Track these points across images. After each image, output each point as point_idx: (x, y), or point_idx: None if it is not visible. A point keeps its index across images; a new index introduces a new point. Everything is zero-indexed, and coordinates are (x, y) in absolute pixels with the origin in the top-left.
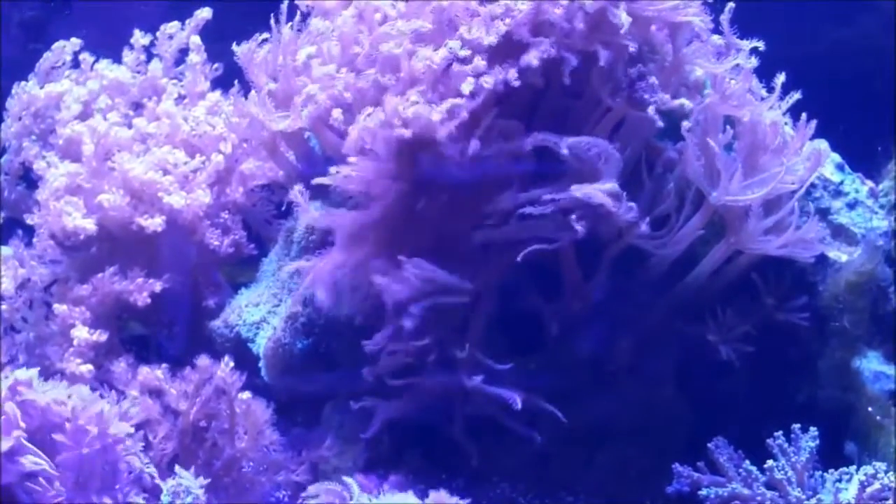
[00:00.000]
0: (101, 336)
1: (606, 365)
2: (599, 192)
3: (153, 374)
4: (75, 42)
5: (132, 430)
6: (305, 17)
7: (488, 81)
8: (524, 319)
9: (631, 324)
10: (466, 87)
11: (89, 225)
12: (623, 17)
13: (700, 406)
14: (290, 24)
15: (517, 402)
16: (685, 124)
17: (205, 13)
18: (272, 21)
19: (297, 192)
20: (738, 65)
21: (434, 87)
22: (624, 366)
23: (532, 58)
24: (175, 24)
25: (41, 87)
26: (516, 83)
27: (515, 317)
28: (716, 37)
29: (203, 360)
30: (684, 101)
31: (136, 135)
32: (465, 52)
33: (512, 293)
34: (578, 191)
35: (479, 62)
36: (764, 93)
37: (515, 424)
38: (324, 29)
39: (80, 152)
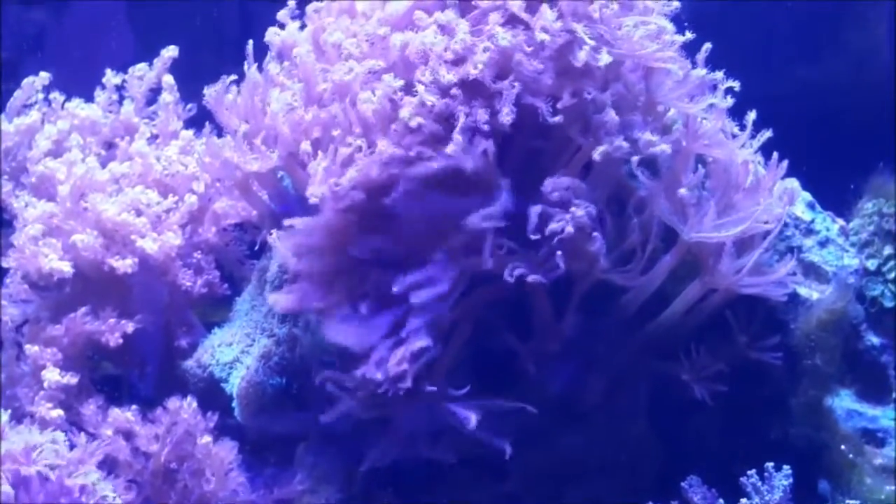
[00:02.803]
0: (71, 379)
1: (578, 403)
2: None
3: (123, 416)
4: (44, 76)
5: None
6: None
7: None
8: (495, 358)
9: (603, 362)
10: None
11: (66, 267)
12: (604, 58)
13: (672, 444)
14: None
15: (472, 420)
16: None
17: (171, 52)
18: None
19: (274, 238)
20: (712, 104)
21: (385, 127)
22: (596, 404)
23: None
24: (143, 65)
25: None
26: (486, 127)
27: (486, 355)
28: (700, 70)
29: (174, 402)
30: (664, 147)
31: (111, 177)
32: (398, 83)
33: (484, 331)
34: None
35: (429, 97)
36: (736, 130)
37: (486, 435)
38: (279, 70)
39: (53, 190)
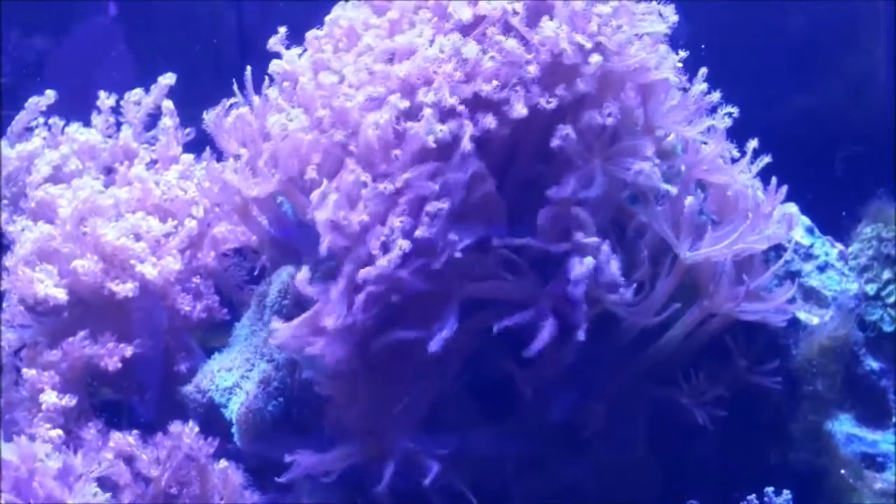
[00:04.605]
0: (70, 401)
1: (579, 430)
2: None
3: (125, 440)
4: (50, 94)
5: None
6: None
7: (443, 130)
8: (494, 383)
9: (603, 388)
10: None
11: (60, 294)
12: (594, 62)
13: (672, 469)
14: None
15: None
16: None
17: (168, 79)
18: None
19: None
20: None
21: (387, 151)
22: (596, 429)
23: (520, 109)
24: (139, 90)
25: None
26: (492, 125)
27: (487, 381)
28: (700, 85)
29: (176, 426)
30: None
31: (114, 202)
32: (404, 104)
33: (482, 356)
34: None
35: (428, 112)
36: (736, 153)
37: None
38: (278, 95)
39: (51, 215)
